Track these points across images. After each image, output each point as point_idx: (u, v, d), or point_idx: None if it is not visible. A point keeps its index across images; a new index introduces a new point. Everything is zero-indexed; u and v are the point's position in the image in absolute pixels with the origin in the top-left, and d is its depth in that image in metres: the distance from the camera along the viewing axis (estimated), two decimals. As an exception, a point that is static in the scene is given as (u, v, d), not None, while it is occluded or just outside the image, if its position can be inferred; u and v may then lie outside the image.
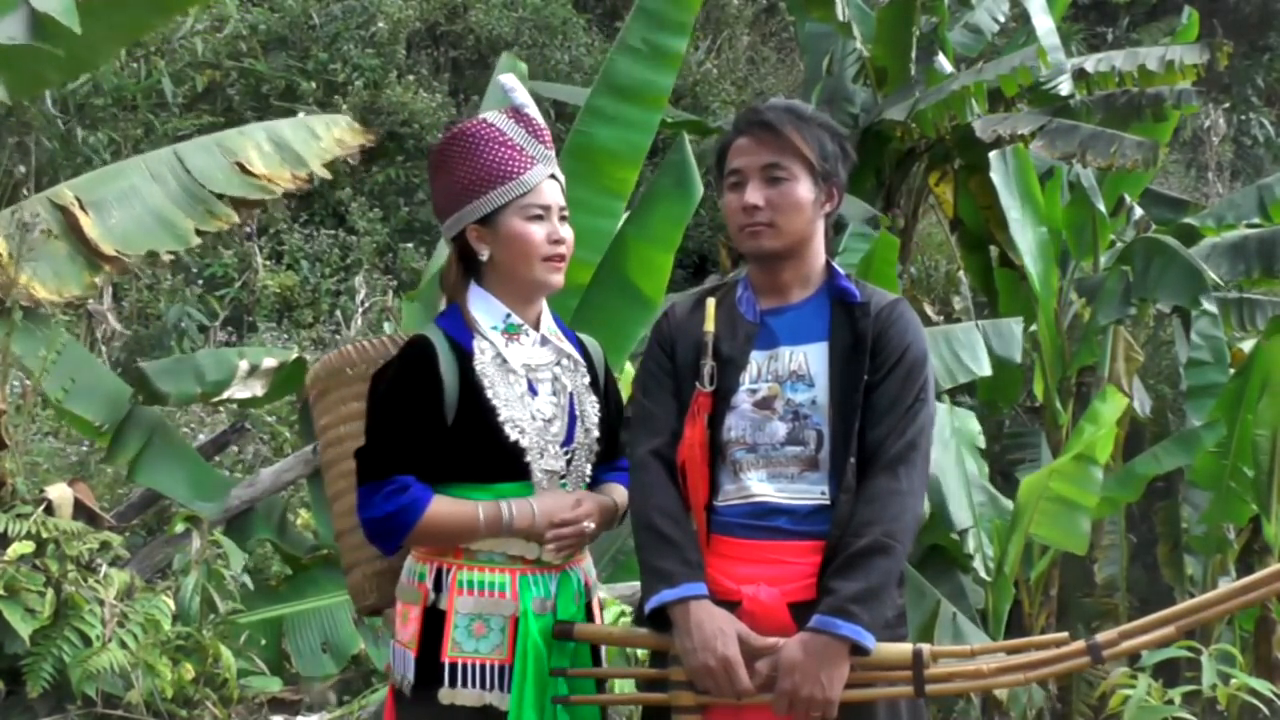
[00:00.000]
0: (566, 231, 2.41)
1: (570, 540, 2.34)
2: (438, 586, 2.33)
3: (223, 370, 4.55)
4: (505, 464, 2.33)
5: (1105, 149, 6.69)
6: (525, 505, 2.31)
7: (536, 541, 2.33)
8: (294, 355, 4.76)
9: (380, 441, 2.33)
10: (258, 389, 4.61)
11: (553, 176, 2.41)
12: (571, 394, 2.41)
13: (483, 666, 2.29)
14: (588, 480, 2.43)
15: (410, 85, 9.60)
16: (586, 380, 2.46)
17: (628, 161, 4.66)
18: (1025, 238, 6.84)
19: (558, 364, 2.42)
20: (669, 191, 4.49)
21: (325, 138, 5.00)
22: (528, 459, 2.33)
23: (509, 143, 2.38)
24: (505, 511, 2.29)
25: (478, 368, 2.33)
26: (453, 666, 2.29)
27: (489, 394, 2.32)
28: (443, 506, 2.30)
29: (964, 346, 5.64)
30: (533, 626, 2.29)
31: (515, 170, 2.37)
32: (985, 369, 5.65)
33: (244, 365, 4.55)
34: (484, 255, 2.38)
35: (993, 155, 6.89)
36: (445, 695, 2.29)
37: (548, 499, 2.33)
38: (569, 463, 2.39)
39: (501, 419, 2.31)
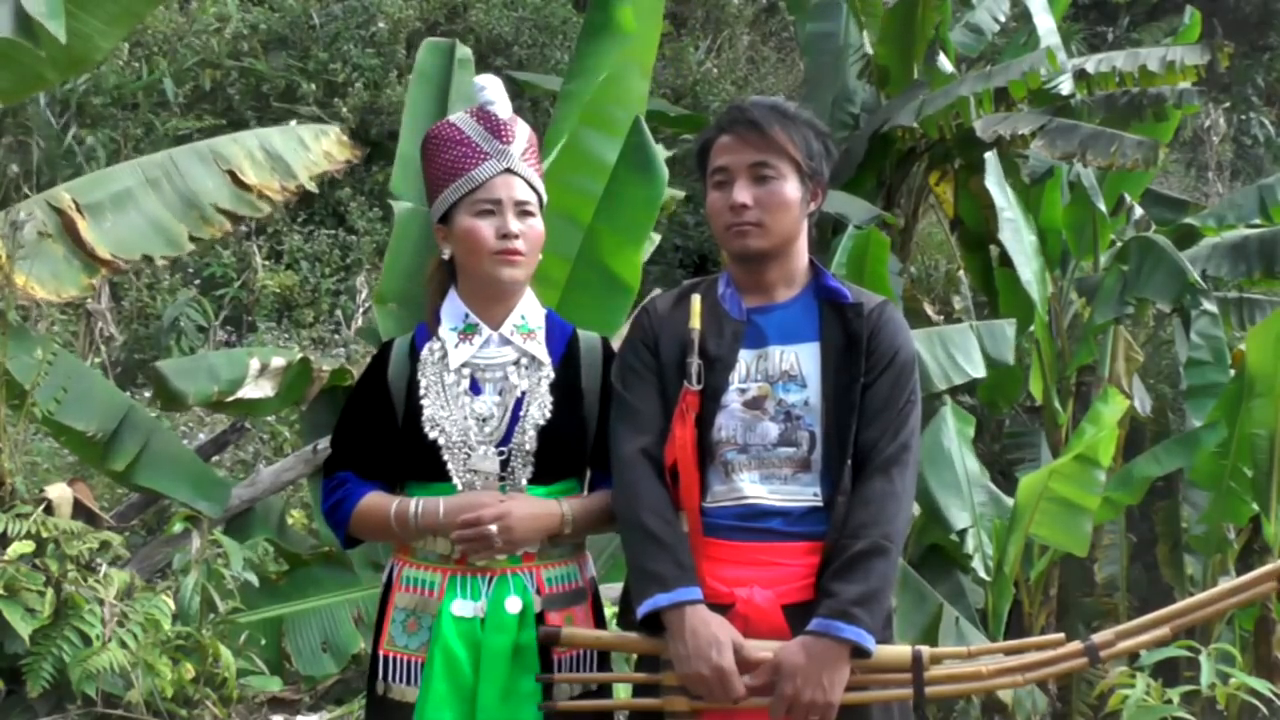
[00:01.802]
0: (527, 226, 2.38)
1: (474, 541, 2.28)
2: (390, 583, 2.39)
3: (236, 369, 4.55)
4: (429, 463, 2.34)
5: (1106, 148, 6.68)
6: (434, 503, 2.31)
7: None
8: (298, 355, 4.76)
9: (334, 441, 2.46)
10: (268, 389, 4.62)
11: (510, 171, 2.39)
12: (522, 394, 2.37)
13: (410, 662, 2.32)
14: (525, 483, 2.35)
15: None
16: (549, 380, 2.39)
17: (611, 147, 4.53)
18: (1019, 239, 6.84)
19: (514, 364, 2.39)
20: (631, 175, 4.42)
21: (314, 149, 5.03)
22: (444, 458, 2.33)
23: (465, 140, 2.40)
24: (412, 508, 2.31)
25: (419, 368, 2.38)
26: (386, 660, 2.34)
27: (420, 393, 2.36)
28: (368, 503, 2.36)
29: (958, 348, 5.62)
30: (445, 627, 2.28)
31: (465, 167, 2.38)
32: (979, 370, 5.64)
33: (255, 364, 4.56)
34: (445, 254, 2.42)
35: (988, 157, 6.89)
36: (379, 687, 2.34)
37: (459, 498, 2.31)
38: (505, 463, 2.35)
39: (423, 418, 2.34)
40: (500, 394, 2.37)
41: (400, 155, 4.71)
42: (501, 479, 2.34)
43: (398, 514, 2.32)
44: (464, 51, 4.88)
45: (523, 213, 2.38)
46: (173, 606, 3.90)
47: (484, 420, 2.35)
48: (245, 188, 4.82)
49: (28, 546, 3.68)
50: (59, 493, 3.97)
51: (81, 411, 4.25)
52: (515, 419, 2.36)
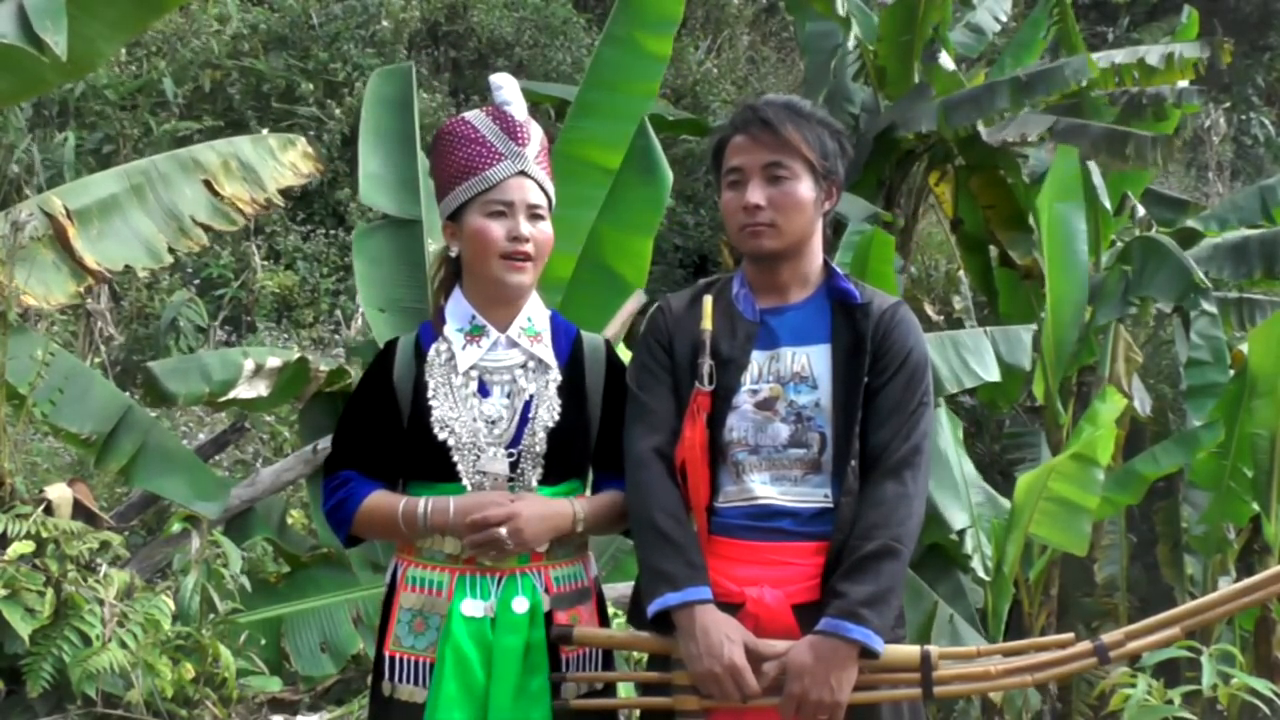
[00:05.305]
0: (537, 230, 2.36)
1: (484, 543, 2.27)
2: (394, 583, 2.38)
3: (229, 370, 4.55)
4: (437, 463, 2.33)
5: (1119, 147, 6.66)
6: (444, 503, 2.30)
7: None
8: (296, 355, 4.75)
9: (336, 440, 2.44)
10: (262, 389, 4.62)
11: (524, 173, 2.37)
12: (530, 397, 2.36)
13: (417, 663, 2.31)
14: (535, 484, 2.35)
15: (410, 85, 9.58)
16: (556, 383, 2.39)
17: (619, 153, 4.63)
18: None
19: (521, 366, 2.38)
20: (636, 177, 4.47)
21: (283, 159, 5.05)
22: (454, 459, 2.32)
23: (479, 139, 2.38)
24: (421, 508, 2.30)
25: (427, 369, 2.36)
26: (392, 660, 2.33)
27: (429, 394, 2.34)
28: (374, 502, 2.35)
29: (971, 352, 5.62)
30: (455, 627, 2.27)
31: (479, 166, 2.36)
32: (994, 374, 5.64)
33: (249, 364, 4.56)
34: (453, 252, 2.41)
35: (1033, 152, 6.88)
36: (385, 688, 2.33)
37: (469, 498, 2.30)
38: (514, 465, 2.34)
39: (432, 419, 2.32)
40: (508, 396, 2.37)
41: (365, 175, 4.78)
42: (511, 480, 2.34)
43: (405, 513, 2.31)
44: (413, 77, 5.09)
45: (534, 216, 2.37)
46: (173, 606, 3.90)
47: (493, 422, 2.34)
48: (221, 198, 4.84)
49: (28, 546, 3.68)
50: (59, 493, 3.96)
51: (77, 412, 4.25)
52: (524, 421, 2.35)
